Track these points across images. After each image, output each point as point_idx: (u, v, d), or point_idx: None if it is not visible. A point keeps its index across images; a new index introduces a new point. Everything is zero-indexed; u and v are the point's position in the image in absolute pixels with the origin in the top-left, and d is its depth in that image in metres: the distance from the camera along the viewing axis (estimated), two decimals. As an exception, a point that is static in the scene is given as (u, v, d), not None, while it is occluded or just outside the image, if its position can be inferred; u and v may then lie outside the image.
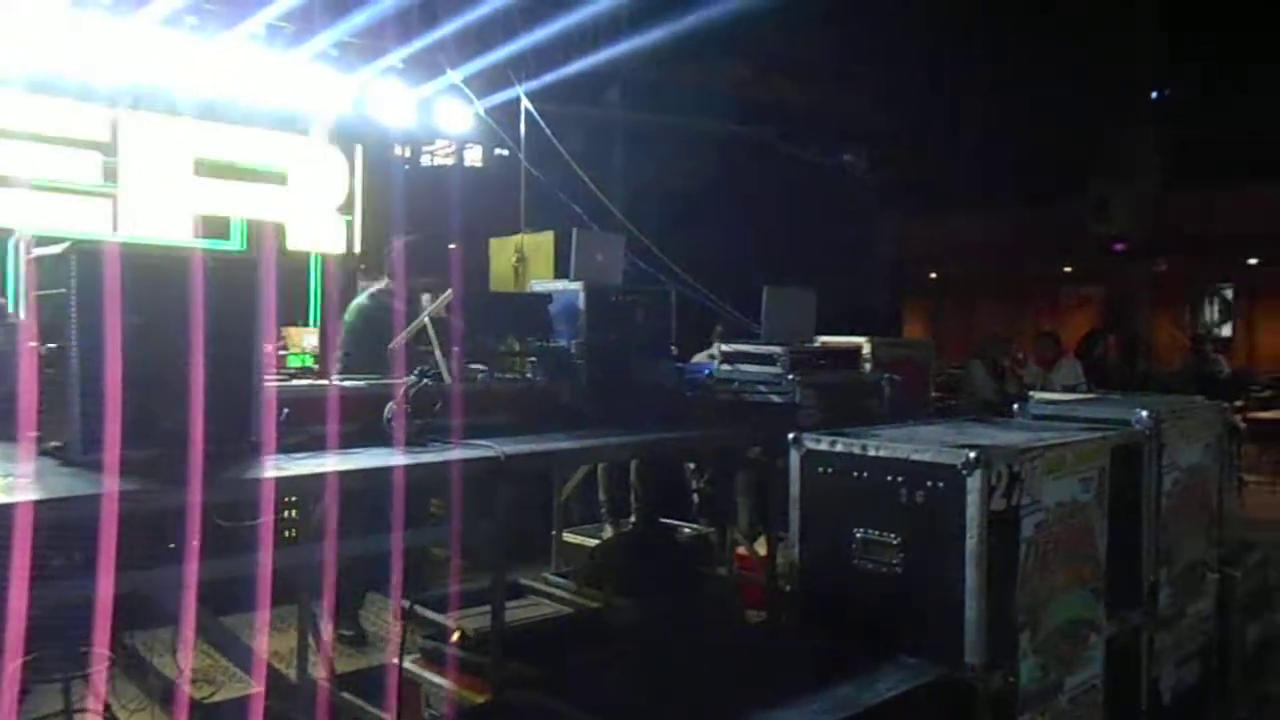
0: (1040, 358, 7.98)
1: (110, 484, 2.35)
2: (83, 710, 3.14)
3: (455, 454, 3.03)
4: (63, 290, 2.58)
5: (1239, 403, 8.28)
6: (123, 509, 2.24)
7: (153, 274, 2.68)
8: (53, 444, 2.60)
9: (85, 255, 2.57)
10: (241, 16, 6.47)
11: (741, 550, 5.05)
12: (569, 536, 5.04)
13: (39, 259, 2.78)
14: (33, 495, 2.17)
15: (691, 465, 5.95)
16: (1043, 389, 6.71)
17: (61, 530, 2.23)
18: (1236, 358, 15.35)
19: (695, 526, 5.37)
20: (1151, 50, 15.24)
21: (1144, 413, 3.44)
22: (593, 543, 4.80)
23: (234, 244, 6.48)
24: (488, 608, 3.23)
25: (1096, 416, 3.56)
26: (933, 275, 20.49)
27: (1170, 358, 12.88)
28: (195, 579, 2.48)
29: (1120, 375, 8.64)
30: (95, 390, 2.51)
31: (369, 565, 4.39)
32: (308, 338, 7.40)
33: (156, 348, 2.64)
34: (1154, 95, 16.29)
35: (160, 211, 5.99)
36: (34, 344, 2.67)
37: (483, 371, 4.06)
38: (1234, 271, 18.01)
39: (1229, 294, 18.31)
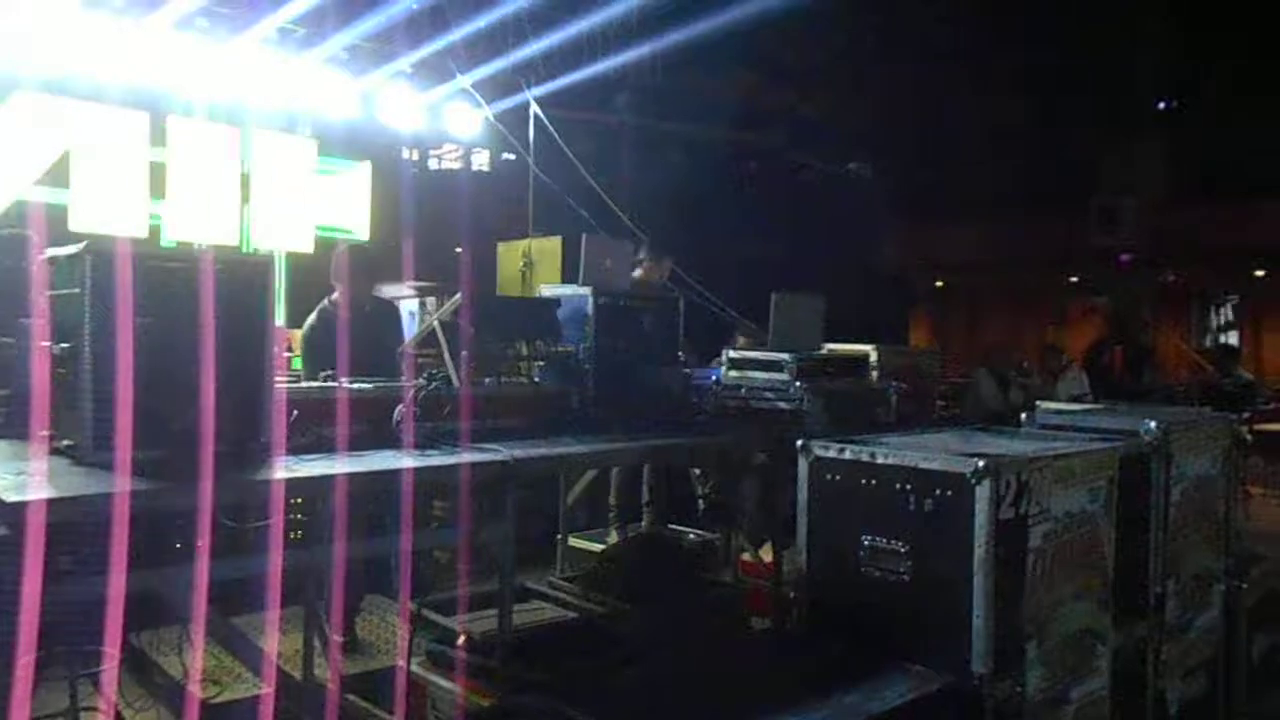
0: (1046, 370, 7.99)
1: (121, 483, 2.36)
2: (89, 709, 3.15)
3: (464, 457, 3.04)
4: (76, 290, 2.59)
5: (1245, 414, 8.26)
6: (133, 508, 2.25)
7: (164, 275, 2.70)
8: (65, 443, 2.61)
9: (99, 256, 2.59)
10: (253, 20, 6.51)
11: (746, 557, 5.05)
12: (575, 541, 5.04)
13: (52, 259, 2.80)
14: (44, 493, 2.18)
15: (697, 471, 5.95)
16: (1048, 399, 6.70)
17: (72, 528, 2.24)
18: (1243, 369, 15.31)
19: (701, 532, 5.37)
20: (1160, 59, 15.25)
21: (1152, 423, 3.43)
22: (598, 548, 4.81)
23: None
24: (493, 611, 3.23)
25: (1104, 427, 3.55)
26: (938, 284, 20.47)
27: (1176, 369, 12.85)
28: (204, 579, 2.48)
29: (1126, 386, 8.63)
30: (107, 390, 2.52)
31: (364, 570, 4.40)
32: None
33: (168, 348, 2.65)
34: (1161, 105, 16.28)
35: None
36: (46, 344, 2.69)
37: (490, 376, 4.07)
38: (1241, 283, 17.96)
39: (1234, 305, 18.28)
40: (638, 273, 5.63)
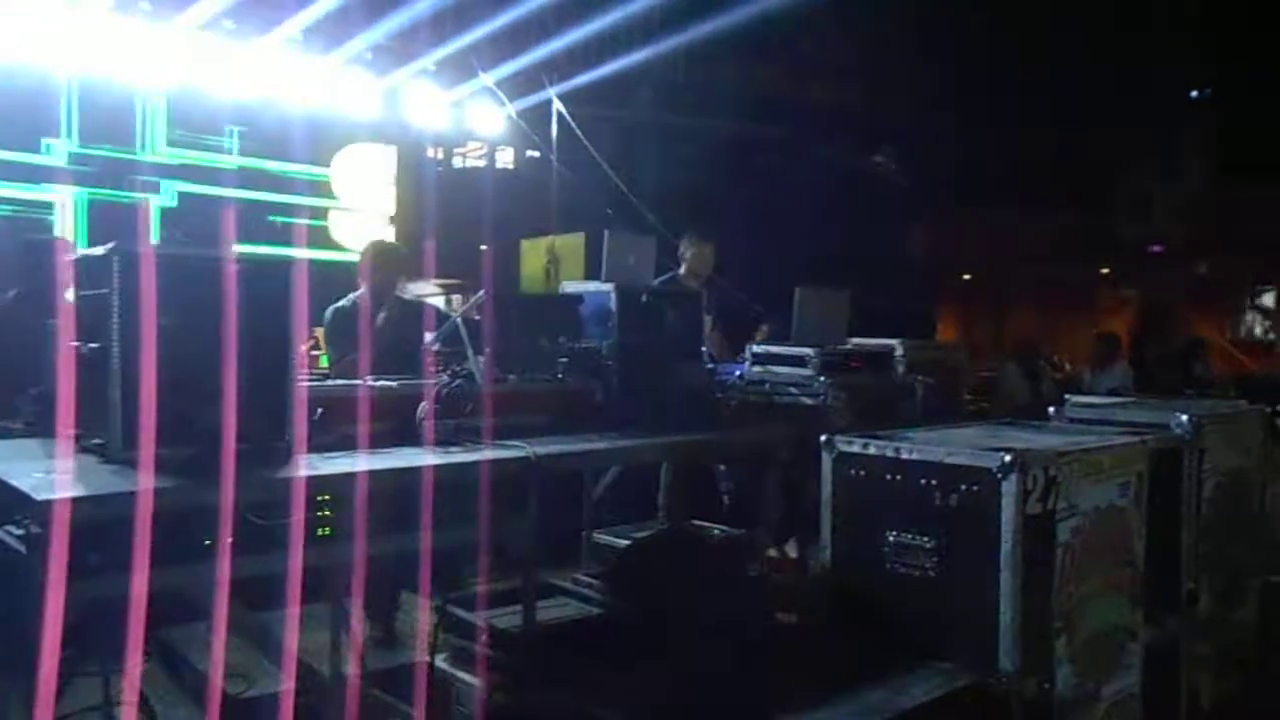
0: (1096, 357, 7.84)
1: (148, 481, 2.38)
2: (121, 703, 3.19)
3: (487, 454, 3.04)
4: (104, 291, 2.62)
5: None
6: (160, 506, 2.28)
7: (191, 276, 2.72)
8: (93, 441, 2.65)
9: (126, 257, 2.62)
10: (278, 20, 6.57)
11: (771, 553, 5.02)
12: (599, 537, 5.03)
13: (81, 260, 2.84)
14: (73, 492, 2.21)
15: (721, 467, 5.91)
16: (1089, 390, 6.60)
17: (101, 526, 2.26)
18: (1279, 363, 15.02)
19: (725, 528, 5.34)
20: (1194, 47, 14.98)
21: (1184, 417, 3.37)
22: (623, 543, 4.80)
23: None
24: (518, 607, 3.24)
25: (1135, 420, 3.50)
26: (965, 277, 20.27)
27: (1219, 364, 12.62)
28: (230, 575, 2.51)
29: (1161, 380, 8.47)
30: (135, 389, 2.55)
31: (403, 566, 4.42)
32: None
33: (194, 348, 2.67)
34: (1194, 94, 16.01)
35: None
36: (75, 343, 2.73)
37: (513, 373, 4.07)
38: (1276, 274, 17.63)
39: (1270, 298, 17.95)
40: (684, 266, 5.59)
